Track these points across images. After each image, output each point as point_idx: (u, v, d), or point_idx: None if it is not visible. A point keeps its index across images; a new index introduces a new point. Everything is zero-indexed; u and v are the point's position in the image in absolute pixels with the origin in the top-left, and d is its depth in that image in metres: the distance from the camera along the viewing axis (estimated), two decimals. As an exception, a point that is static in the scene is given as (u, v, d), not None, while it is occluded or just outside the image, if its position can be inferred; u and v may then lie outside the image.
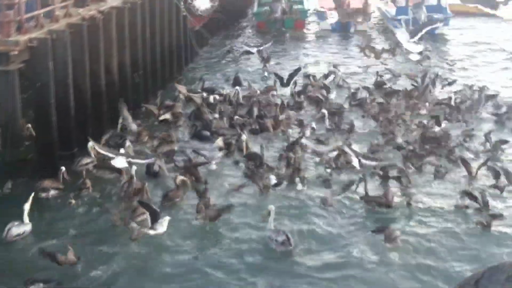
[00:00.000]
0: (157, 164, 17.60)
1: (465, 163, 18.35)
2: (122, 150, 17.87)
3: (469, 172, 18.03)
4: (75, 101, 18.22)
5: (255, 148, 19.36)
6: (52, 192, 16.39)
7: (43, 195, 16.24)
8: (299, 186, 16.96)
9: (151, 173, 17.80)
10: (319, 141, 19.95)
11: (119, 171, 17.32)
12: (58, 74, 17.37)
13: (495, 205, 16.58)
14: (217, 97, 24.14)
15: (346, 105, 23.87)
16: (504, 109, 23.38)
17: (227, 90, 25.55)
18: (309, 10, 42.11)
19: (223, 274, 13.51)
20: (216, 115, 22.27)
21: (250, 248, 14.41)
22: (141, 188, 16.29)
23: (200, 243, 14.74)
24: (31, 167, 17.27)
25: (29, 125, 17.24)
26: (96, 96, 19.83)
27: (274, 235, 14.20)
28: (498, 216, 15.64)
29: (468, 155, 19.33)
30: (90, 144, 17.53)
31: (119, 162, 17.23)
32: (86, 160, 17.37)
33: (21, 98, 16.97)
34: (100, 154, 17.66)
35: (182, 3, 29.39)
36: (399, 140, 20.01)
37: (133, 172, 16.56)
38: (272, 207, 14.97)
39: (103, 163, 17.65)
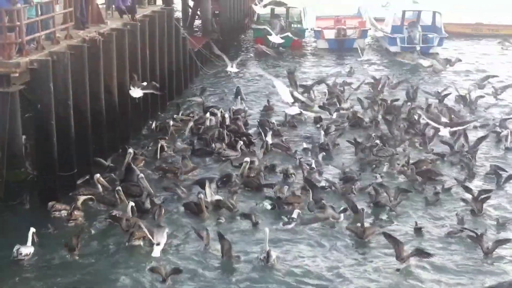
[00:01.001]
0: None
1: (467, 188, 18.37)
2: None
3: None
4: (75, 122, 18.27)
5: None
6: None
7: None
8: (295, 214, 16.95)
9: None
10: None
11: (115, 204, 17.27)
12: (58, 96, 17.43)
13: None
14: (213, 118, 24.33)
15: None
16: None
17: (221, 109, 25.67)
18: (307, 29, 42.50)
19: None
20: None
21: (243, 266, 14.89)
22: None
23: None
24: (31, 187, 17.35)
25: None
26: (96, 117, 19.90)
27: (260, 253, 14.89)
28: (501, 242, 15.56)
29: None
30: (97, 176, 17.54)
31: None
32: (84, 191, 17.40)
33: (21, 120, 17.07)
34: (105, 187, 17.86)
35: (181, 26, 29.61)
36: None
37: (129, 209, 16.56)
38: (267, 230, 15.33)
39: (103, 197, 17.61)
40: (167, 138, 22.53)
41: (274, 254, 14.77)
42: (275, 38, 33.79)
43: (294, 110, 24.79)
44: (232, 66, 29.72)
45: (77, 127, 18.41)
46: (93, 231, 16.25)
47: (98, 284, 14.07)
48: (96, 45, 19.84)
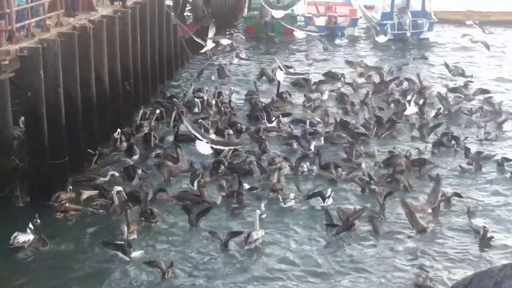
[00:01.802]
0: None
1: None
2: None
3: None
4: (66, 109, 18.21)
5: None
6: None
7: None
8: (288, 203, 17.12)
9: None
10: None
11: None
12: (49, 83, 17.36)
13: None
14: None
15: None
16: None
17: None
18: (298, 15, 42.40)
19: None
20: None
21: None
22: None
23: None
24: (22, 175, 17.28)
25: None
26: (87, 105, 19.85)
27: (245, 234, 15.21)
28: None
29: None
30: (118, 188, 16.93)
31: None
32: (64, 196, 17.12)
33: (12, 107, 17.01)
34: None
35: (172, 12, 29.56)
36: None
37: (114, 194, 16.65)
38: (258, 211, 15.58)
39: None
40: (152, 124, 22.57)
41: (256, 235, 14.97)
42: (277, 13, 33.93)
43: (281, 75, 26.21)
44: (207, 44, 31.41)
45: (68, 115, 18.34)
46: (88, 222, 16.34)
47: (94, 278, 14.01)
48: (86, 32, 19.78)
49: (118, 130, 21.00)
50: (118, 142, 20.74)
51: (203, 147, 19.19)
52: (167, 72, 28.90)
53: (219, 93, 25.92)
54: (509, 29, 43.26)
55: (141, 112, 23.18)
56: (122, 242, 14.64)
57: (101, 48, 20.98)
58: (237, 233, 15.13)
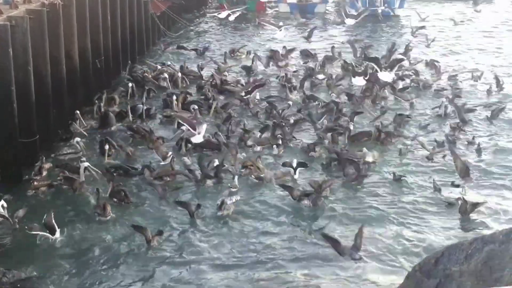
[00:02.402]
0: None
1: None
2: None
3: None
4: (35, 87, 18.08)
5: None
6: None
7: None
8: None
9: None
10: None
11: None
12: (18, 61, 17.19)
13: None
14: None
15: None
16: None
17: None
18: None
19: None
20: None
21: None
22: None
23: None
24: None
25: None
26: (57, 83, 19.73)
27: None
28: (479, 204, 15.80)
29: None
30: (86, 164, 16.89)
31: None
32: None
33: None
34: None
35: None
36: None
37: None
38: (236, 178, 16.43)
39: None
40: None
41: (229, 201, 15.35)
42: None
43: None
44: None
45: (38, 93, 18.22)
46: (60, 199, 16.36)
47: (78, 254, 14.07)
48: (56, 9, 19.60)
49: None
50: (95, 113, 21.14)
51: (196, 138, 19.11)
52: (138, 49, 28.71)
53: (181, 67, 26.52)
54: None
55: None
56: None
57: (71, 25, 20.80)
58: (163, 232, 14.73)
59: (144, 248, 14.07)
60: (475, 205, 15.52)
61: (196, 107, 21.66)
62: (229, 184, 16.42)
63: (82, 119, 20.43)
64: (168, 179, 17.14)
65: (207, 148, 18.98)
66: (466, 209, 15.39)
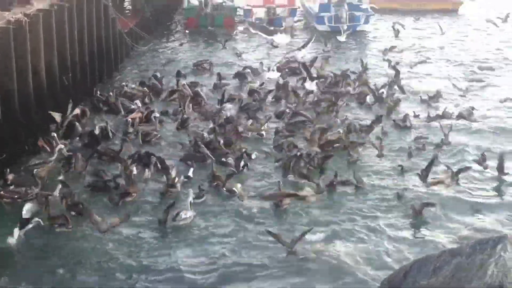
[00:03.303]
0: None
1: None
2: None
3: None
4: (2, 104, 17.96)
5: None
6: None
7: None
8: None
9: None
10: None
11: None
12: (-16, 78, 17.07)
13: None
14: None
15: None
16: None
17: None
18: (238, 7, 42.38)
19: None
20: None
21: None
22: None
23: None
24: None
25: None
26: (24, 100, 19.58)
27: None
28: (430, 204, 16.33)
29: None
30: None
31: None
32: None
33: None
34: None
35: (110, 4, 29.28)
36: None
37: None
38: (191, 191, 16.30)
39: None
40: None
41: (185, 215, 15.53)
42: None
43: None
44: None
45: (4, 110, 18.10)
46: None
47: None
48: (22, 26, 19.45)
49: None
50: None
51: None
52: (106, 66, 28.57)
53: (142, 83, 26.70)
54: (445, 17, 44.33)
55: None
56: None
57: (38, 42, 20.67)
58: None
59: (97, 254, 14.30)
60: (426, 205, 16.23)
61: (157, 115, 21.98)
62: (190, 190, 16.50)
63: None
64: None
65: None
66: (416, 209, 16.06)
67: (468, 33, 40.54)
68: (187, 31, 39.50)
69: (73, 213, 15.83)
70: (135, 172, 17.75)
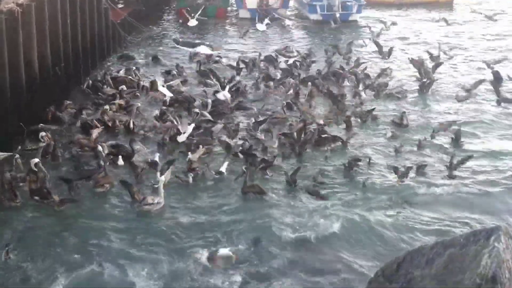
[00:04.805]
0: None
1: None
2: None
3: None
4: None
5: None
6: None
7: None
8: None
9: None
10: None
11: None
12: (-24, 69, 16.99)
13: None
14: None
15: None
16: None
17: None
18: None
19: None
20: None
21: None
22: None
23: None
24: None
25: None
26: (16, 90, 19.51)
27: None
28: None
29: None
30: (35, 160, 16.85)
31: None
32: None
33: None
34: None
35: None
36: None
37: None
38: (162, 178, 16.35)
39: None
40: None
41: (152, 200, 15.73)
42: None
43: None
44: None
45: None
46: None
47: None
48: (14, 16, 19.36)
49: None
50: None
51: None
52: (99, 56, 28.48)
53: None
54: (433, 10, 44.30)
55: None
56: None
57: (30, 32, 20.55)
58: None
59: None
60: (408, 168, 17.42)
61: (139, 105, 22.13)
62: (161, 178, 16.48)
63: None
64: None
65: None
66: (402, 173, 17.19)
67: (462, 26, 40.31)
68: (180, 21, 39.33)
69: (36, 197, 15.93)
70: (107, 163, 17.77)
